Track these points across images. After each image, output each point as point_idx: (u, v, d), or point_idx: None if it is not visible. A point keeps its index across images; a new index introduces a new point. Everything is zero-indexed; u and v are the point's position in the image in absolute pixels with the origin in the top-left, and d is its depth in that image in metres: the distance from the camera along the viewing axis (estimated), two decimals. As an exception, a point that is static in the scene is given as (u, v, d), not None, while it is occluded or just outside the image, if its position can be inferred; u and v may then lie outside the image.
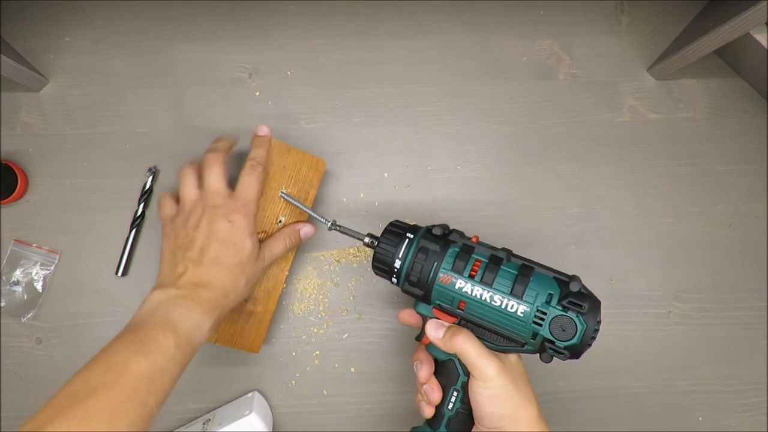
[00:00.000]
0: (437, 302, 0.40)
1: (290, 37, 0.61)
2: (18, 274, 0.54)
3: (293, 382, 0.54)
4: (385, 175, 0.58)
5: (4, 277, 0.54)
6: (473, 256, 0.39)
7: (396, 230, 0.42)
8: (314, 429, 0.54)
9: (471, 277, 0.38)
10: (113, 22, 0.60)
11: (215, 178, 0.44)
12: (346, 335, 0.55)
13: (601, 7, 0.63)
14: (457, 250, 0.39)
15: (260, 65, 0.60)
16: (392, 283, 0.43)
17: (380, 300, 0.56)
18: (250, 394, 0.53)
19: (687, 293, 0.57)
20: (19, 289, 0.54)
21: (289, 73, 0.60)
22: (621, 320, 0.56)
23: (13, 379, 0.53)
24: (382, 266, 0.42)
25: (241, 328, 0.50)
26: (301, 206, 0.49)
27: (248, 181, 0.45)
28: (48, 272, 0.55)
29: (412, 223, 0.43)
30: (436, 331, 0.40)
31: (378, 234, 0.43)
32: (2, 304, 0.54)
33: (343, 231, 0.46)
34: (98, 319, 0.55)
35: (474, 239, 0.42)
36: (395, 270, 0.41)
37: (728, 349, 0.57)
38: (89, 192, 0.57)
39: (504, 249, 0.40)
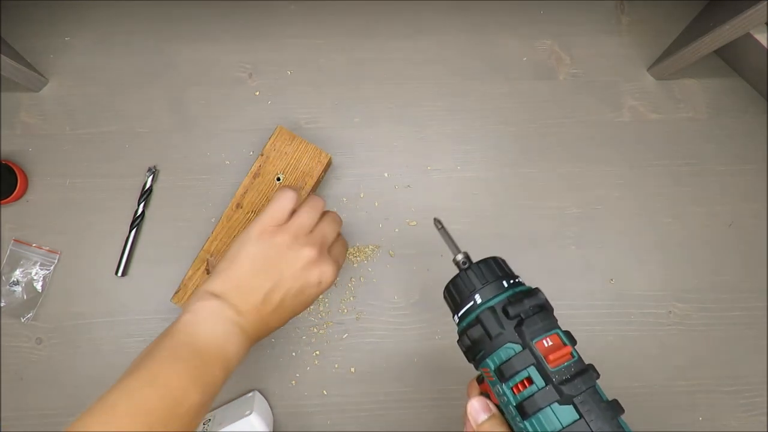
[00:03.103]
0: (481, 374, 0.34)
1: (290, 37, 0.61)
2: (18, 274, 0.54)
3: (293, 382, 0.54)
4: (385, 175, 0.58)
5: (3, 277, 0.54)
6: (527, 370, 0.30)
7: (472, 278, 0.34)
8: (314, 429, 0.54)
9: (513, 392, 0.30)
10: (113, 22, 0.60)
11: (326, 226, 0.42)
12: (346, 335, 0.55)
13: (601, 7, 0.63)
14: (513, 353, 0.31)
15: (260, 65, 0.60)
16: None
17: (380, 300, 0.56)
18: (250, 394, 0.53)
19: (687, 293, 0.57)
20: (18, 289, 0.54)
21: (289, 73, 0.60)
22: (621, 320, 0.56)
23: (13, 379, 0.53)
24: (452, 297, 0.35)
25: None
26: None
27: (340, 243, 0.44)
28: (48, 272, 0.55)
29: (515, 276, 0.36)
30: (477, 413, 0.32)
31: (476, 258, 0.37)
32: (2, 304, 0.54)
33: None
34: (98, 319, 0.54)
35: (551, 343, 0.31)
36: (459, 317, 0.34)
37: (728, 349, 0.56)
38: (89, 192, 0.57)
39: (577, 376, 0.29)
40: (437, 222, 0.40)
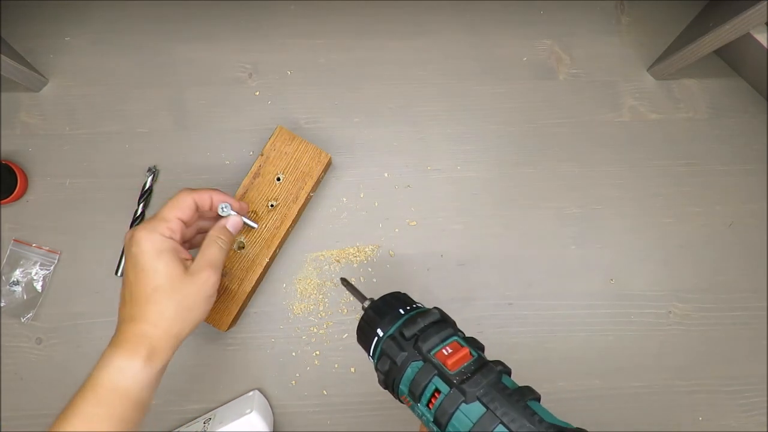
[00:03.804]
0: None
1: (290, 37, 0.61)
2: (18, 274, 0.54)
3: (293, 382, 0.54)
4: (385, 175, 0.58)
5: (3, 277, 0.54)
6: (432, 381, 0.30)
7: (373, 318, 0.36)
8: (314, 429, 0.54)
9: (429, 408, 0.30)
10: (113, 22, 0.60)
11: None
12: (346, 335, 0.55)
13: (601, 7, 0.63)
14: (417, 368, 0.31)
15: (260, 65, 0.60)
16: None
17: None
18: (251, 393, 0.53)
19: (687, 293, 0.57)
20: (18, 289, 0.54)
21: (289, 73, 0.60)
22: (621, 320, 0.56)
23: (13, 379, 0.53)
24: (362, 340, 0.37)
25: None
26: (248, 222, 0.49)
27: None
28: (48, 272, 0.55)
29: (413, 302, 0.37)
30: None
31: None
32: (2, 304, 0.54)
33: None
34: (98, 319, 0.54)
35: (450, 350, 0.32)
36: (371, 357, 0.36)
37: (728, 349, 0.57)
38: (89, 192, 0.57)
39: (477, 372, 0.30)
40: (343, 281, 0.43)
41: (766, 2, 0.46)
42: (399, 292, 0.38)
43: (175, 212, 0.40)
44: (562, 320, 0.56)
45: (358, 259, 0.56)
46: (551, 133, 0.60)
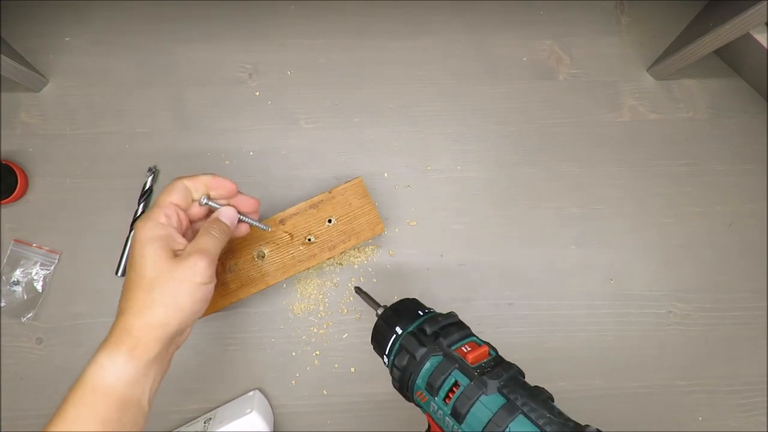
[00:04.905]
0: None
1: (290, 37, 0.61)
2: (18, 274, 0.54)
3: (293, 382, 0.54)
4: (385, 175, 0.58)
5: (4, 277, 0.54)
6: (452, 374, 0.32)
7: (391, 317, 0.37)
8: (314, 429, 0.54)
9: (445, 402, 0.31)
10: (113, 22, 0.60)
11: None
12: (346, 335, 0.55)
13: (601, 7, 0.63)
14: (437, 362, 0.33)
15: (260, 65, 0.60)
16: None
17: (380, 300, 0.56)
18: (251, 393, 0.53)
19: (687, 293, 0.57)
20: (19, 289, 0.54)
21: (289, 73, 0.60)
22: (621, 320, 0.56)
23: (13, 379, 0.53)
24: (378, 340, 0.38)
25: None
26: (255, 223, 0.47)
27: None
28: (48, 272, 0.55)
29: (427, 307, 0.39)
30: None
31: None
32: (2, 304, 0.54)
33: None
34: (98, 319, 0.54)
35: (469, 348, 0.33)
36: (386, 363, 0.37)
37: (728, 349, 0.57)
38: (89, 192, 0.57)
39: (496, 367, 0.31)
40: (357, 289, 0.45)
41: (766, 2, 0.46)
42: (413, 298, 0.40)
43: (169, 197, 0.39)
44: (562, 320, 0.56)
45: (358, 259, 0.56)
46: (551, 133, 0.60)
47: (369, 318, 0.55)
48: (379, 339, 0.38)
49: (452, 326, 0.35)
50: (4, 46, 0.56)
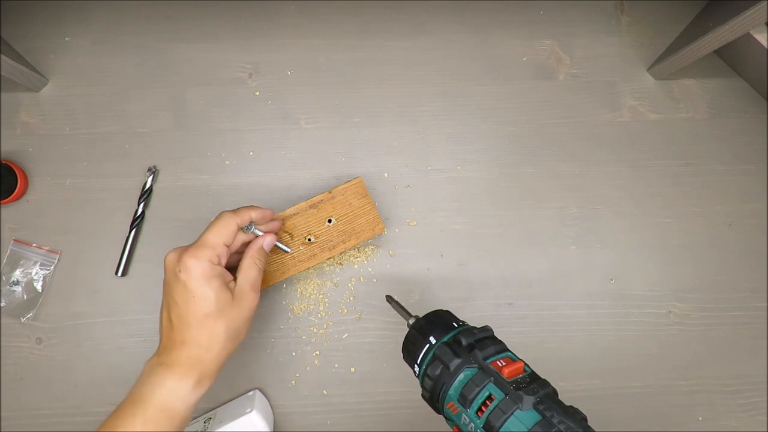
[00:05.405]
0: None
1: (290, 37, 0.61)
2: (18, 274, 0.54)
3: (293, 382, 0.54)
4: (385, 175, 0.58)
5: (4, 277, 0.54)
6: (487, 387, 0.31)
7: (425, 326, 0.37)
8: (314, 429, 0.54)
9: (478, 416, 0.31)
10: (113, 22, 0.60)
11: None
12: (346, 335, 0.55)
13: (601, 7, 0.63)
14: (472, 374, 0.33)
15: (260, 65, 0.60)
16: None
17: (380, 300, 0.56)
18: (251, 393, 0.53)
19: (687, 293, 0.57)
20: (19, 289, 0.54)
21: (289, 73, 0.60)
22: (621, 320, 0.56)
23: (13, 379, 0.53)
24: (410, 350, 0.38)
25: None
26: (282, 247, 0.49)
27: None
28: (48, 272, 0.55)
29: (460, 320, 0.39)
30: None
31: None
32: (2, 304, 0.54)
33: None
34: (98, 319, 0.54)
35: (505, 362, 0.33)
36: (416, 373, 0.37)
37: (728, 349, 0.57)
38: (89, 192, 0.57)
39: (532, 383, 0.31)
40: (388, 298, 0.45)
41: (766, 2, 0.46)
42: (446, 310, 0.40)
43: (220, 238, 0.41)
44: (562, 320, 0.56)
45: (358, 259, 0.56)
46: (551, 133, 0.60)
47: (369, 318, 0.56)
48: (410, 348, 0.38)
49: (488, 339, 0.35)
50: (4, 46, 0.56)
